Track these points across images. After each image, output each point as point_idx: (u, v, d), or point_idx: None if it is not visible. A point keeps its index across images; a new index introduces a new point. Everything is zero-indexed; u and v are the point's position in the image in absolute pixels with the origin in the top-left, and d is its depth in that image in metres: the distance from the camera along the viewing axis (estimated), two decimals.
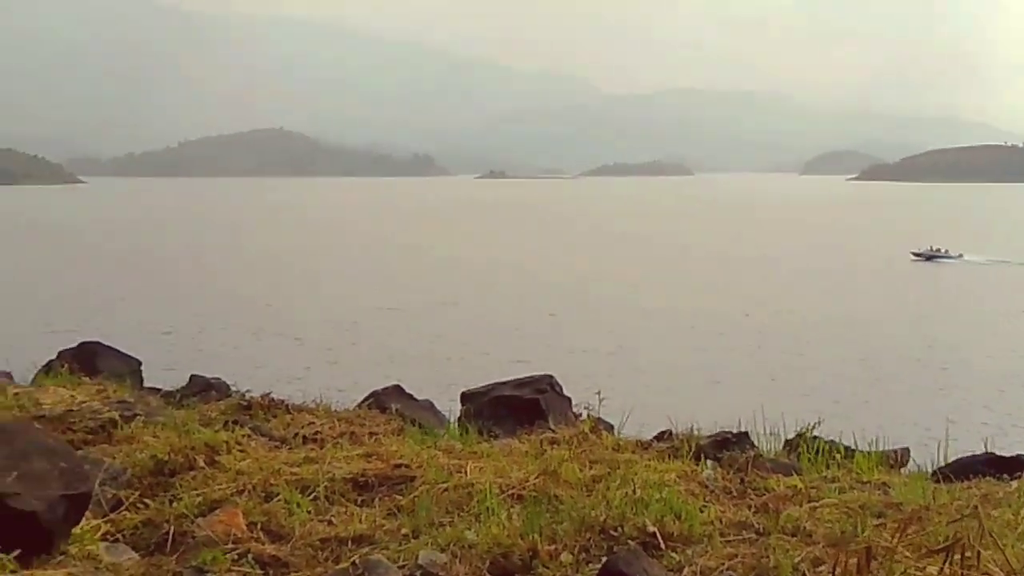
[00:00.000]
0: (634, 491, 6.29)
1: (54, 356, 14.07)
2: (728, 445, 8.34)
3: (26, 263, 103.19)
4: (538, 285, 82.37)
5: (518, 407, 10.34)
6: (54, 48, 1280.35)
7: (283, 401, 9.71)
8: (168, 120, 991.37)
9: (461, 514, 6.11)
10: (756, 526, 6.11)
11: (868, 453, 8.50)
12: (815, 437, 8.69)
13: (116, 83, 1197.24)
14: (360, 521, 5.97)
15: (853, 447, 8.70)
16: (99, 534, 5.63)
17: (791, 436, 9.03)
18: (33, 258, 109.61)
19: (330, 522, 5.98)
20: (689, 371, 49.22)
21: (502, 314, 67.06)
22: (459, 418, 10.52)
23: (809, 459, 8.19)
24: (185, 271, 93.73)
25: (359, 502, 6.44)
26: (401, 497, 6.46)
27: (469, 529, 5.79)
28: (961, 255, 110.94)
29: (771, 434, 9.08)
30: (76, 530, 5.41)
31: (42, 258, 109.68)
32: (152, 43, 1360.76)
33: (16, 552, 4.81)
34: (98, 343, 14.76)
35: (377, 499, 6.50)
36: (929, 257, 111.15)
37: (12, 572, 4.71)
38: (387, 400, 10.94)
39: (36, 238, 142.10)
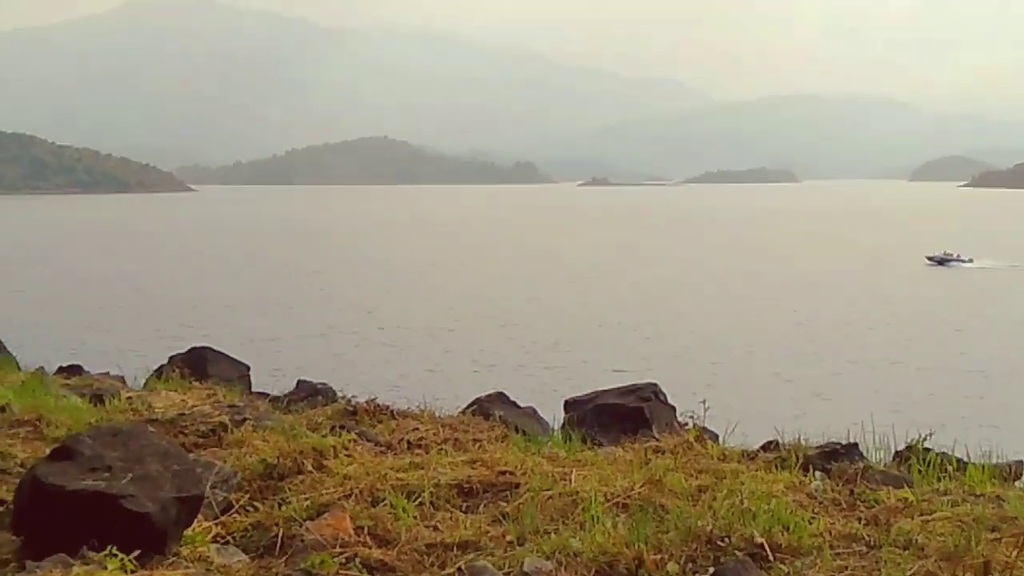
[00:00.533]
0: (741, 502, 6.20)
1: (165, 361, 14.37)
2: (836, 456, 8.17)
3: (137, 269, 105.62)
4: (639, 293, 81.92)
5: (622, 415, 10.29)
6: (164, 59, 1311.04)
7: (388, 407, 9.80)
8: (276, 129, 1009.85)
9: (566, 522, 6.07)
10: (867, 539, 5.98)
11: (981, 465, 8.27)
12: (926, 449, 8.48)
13: (226, 93, 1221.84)
14: (465, 527, 5.95)
15: (965, 459, 8.48)
16: (210, 536, 5.72)
17: (901, 447, 8.83)
18: (144, 264, 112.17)
19: (436, 528, 5.99)
20: (795, 380, 48.53)
21: (603, 322, 66.81)
22: (562, 425, 10.49)
23: (920, 471, 7.98)
24: (290, 278, 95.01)
25: (464, 508, 6.44)
26: (506, 504, 6.45)
27: (574, 537, 5.75)
28: (972, 260, 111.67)
29: (880, 445, 8.88)
30: (188, 532, 5.50)
31: (152, 264, 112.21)
32: (262, 54, 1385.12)
33: (136, 552, 4.90)
34: (208, 348, 15.03)
35: (482, 505, 6.50)
36: (941, 261, 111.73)
37: (132, 572, 4.80)
38: (490, 407, 10.98)
39: (147, 244, 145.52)
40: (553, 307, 73.71)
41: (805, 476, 7.49)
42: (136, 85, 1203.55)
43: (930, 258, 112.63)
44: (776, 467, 7.80)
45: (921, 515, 6.40)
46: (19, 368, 13.05)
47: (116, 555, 4.79)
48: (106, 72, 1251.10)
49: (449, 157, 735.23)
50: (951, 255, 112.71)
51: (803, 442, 8.62)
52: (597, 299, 77.34)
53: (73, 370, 14.22)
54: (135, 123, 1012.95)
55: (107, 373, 14.52)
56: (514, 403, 11.95)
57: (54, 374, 13.33)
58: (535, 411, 12.15)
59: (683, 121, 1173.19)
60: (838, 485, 7.22)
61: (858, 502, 6.81)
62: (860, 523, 6.28)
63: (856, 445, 8.63)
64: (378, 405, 9.73)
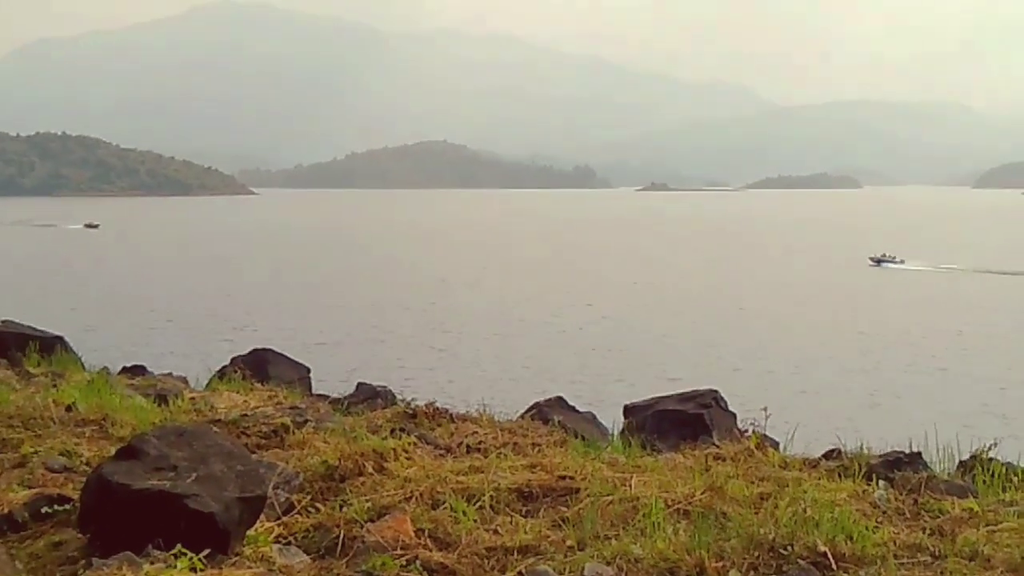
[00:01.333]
0: (804, 510, 6.12)
1: (227, 362, 14.51)
2: (900, 465, 8.08)
3: (197, 271, 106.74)
4: (697, 300, 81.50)
5: (682, 421, 10.25)
6: (227, 64, 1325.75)
7: (447, 410, 9.83)
8: (336, 133, 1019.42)
9: (626, 528, 6.04)
10: (931, 549, 5.90)
11: None
12: (991, 459, 8.36)
13: (288, 97, 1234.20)
14: (525, 531, 5.95)
15: None
16: (272, 536, 5.76)
17: (965, 457, 8.71)
18: (204, 266, 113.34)
19: (496, 531, 5.99)
20: (857, 388, 48.02)
21: (661, 329, 66.52)
22: (622, 431, 10.47)
23: (984, 481, 7.86)
24: (349, 281, 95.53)
25: (524, 512, 6.43)
26: (566, 509, 6.43)
27: (635, 543, 5.73)
28: (903, 261, 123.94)
29: (943, 455, 8.76)
30: (251, 532, 5.55)
31: (213, 266, 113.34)
32: (323, 58, 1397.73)
33: (206, 552, 4.95)
34: (269, 350, 15.17)
35: (542, 510, 6.49)
36: (878, 261, 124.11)
37: (200, 571, 4.85)
38: (549, 411, 10.97)
39: (208, 247, 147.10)
40: (611, 314, 73.45)
41: (868, 485, 7.40)
42: (200, 89, 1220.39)
43: (872, 259, 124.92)
44: (839, 475, 7.74)
45: (987, 525, 6.31)
46: (84, 368, 13.22)
47: (185, 553, 4.83)
48: (171, 76, 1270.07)
49: (508, 161, 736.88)
50: (887, 256, 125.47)
51: (866, 451, 8.55)
52: (655, 306, 76.98)
53: (137, 370, 14.39)
54: (198, 126, 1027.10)
55: (170, 374, 14.70)
56: (573, 408, 11.94)
57: (118, 374, 13.51)
58: (594, 416, 12.13)
59: (744, 126, 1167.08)
60: (902, 494, 7.13)
61: (922, 512, 6.73)
62: (924, 533, 6.19)
63: (920, 454, 8.53)
64: (437, 408, 9.76)
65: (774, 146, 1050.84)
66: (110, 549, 5.01)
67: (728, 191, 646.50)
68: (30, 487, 6.52)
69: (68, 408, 8.99)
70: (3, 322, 14.88)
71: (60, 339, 14.53)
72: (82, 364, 13.63)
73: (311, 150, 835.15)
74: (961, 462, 8.66)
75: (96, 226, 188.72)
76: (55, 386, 10.50)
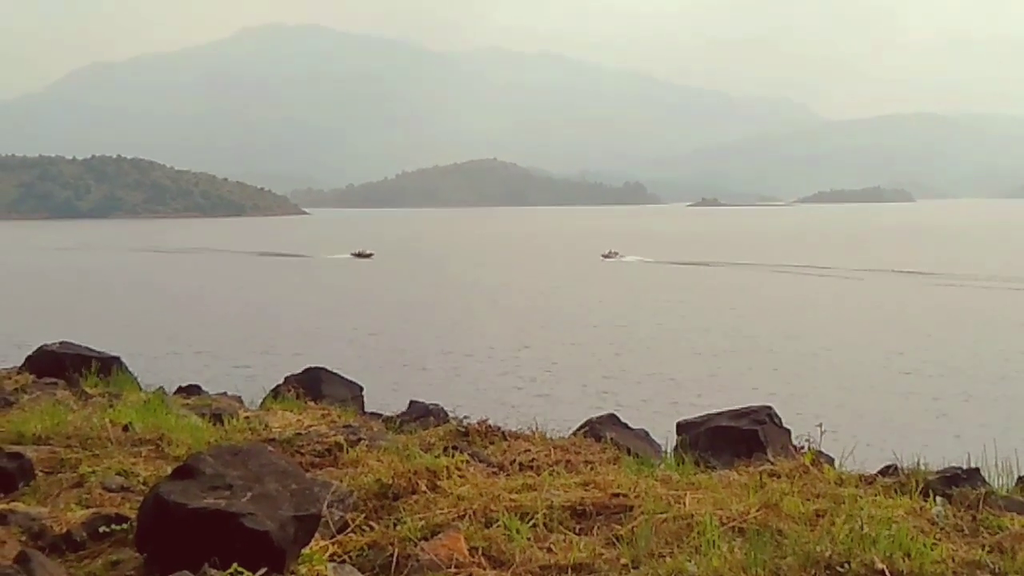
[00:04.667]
0: (860, 527, 6.07)
1: (281, 381, 14.62)
2: (958, 481, 7.99)
3: (250, 290, 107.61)
4: (747, 316, 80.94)
5: (736, 438, 10.20)
6: (279, 85, 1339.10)
7: (499, 428, 9.83)
8: (387, 152, 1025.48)
9: (681, 545, 6.02)
10: (991, 566, 5.83)
11: None
12: None
13: (338, 117, 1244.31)
14: (579, 549, 5.93)
15: None
16: (327, 555, 5.78)
17: None
18: (257, 285, 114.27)
19: (549, 549, 5.98)
20: (914, 404, 47.44)
21: (712, 345, 66.10)
22: (675, 448, 10.43)
23: None
24: (399, 300, 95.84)
25: (577, 530, 6.42)
26: (619, 527, 6.41)
27: (690, 561, 5.70)
28: (623, 255, 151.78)
29: (1003, 471, 8.65)
30: (305, 550, 5.56)
31: (266, 285, 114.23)
32: (374, 78, 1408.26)
33: (263, 571, 4.98)
34: (322, 369, 15.29)
35: (595, 528, 6.47)
36: (607, 256, 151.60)
37: None
38: (602, 429, 10.97)
39: (260, 266, 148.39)
40: (662, 331, 73.13)
41: (925, 501, 7.32)
42: (252, 110, 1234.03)
43: (604, 255, 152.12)
44: (895, 492, 7.65)
45: None
46: (140, 388, 13.37)
47: (241, 572, 4.87)
48: (222, 98, 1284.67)
49: (558, 179, 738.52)
50: (614, 253, 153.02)
51: (922, 467, 8.46)
52: (704, 324, 76.47)
53: (192, 390, 14.56)
54: (251, 147, 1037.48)
55: (224, 393, 14.85)
56: (626, 425, 11.93)
57: (174, 394, 13.67)
58: (647, 433, 12.12)
59: (795, 140, 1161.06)
60: (960, 511, 7.06)
61: (981, 528, 6.66)
62: (984, 550, 6.13)
63: (978, 470, 8.42)
64: (489, 426, 9.77)
65: (826, 160, 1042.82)
66: (167, 568, 5.06)
67: (780, 206, 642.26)
68: (88, 507, 6.60)
69: (125, 428, 9.10)
70: (60, 343, 15.09)
71: (117, 359, 14.71)
72: (138, 384, 13.79)
73: (362, 169, 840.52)
74: (1020, 478, 8.57)
75: (370, 255, 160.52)
76: (112, 406, 10.63)
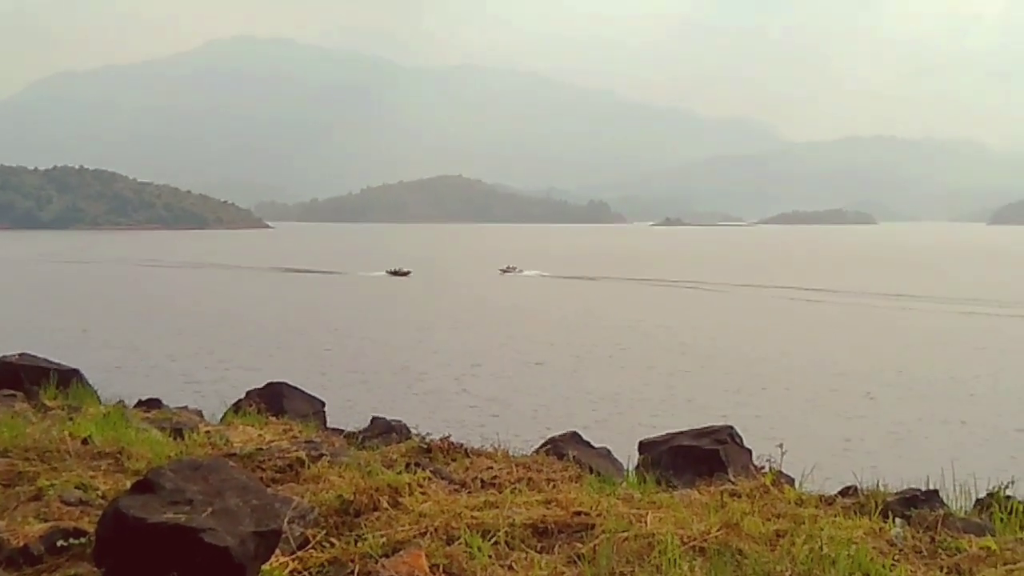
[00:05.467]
0: (820, 547, 6.12)
1: (242, 396, 14.55)
2: (916, 503, 8.05)
3: (212, 303, 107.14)
4: (706, 336, 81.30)
5: (697, 457, 10.23)
6: (244, 98, 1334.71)
7: (461, 445, 9.82)
8: (352, 167, 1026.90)
9: (642, 564, 6.01)
10: None
11: None
12: (1008, 497, 8.33)
13: (304, 131, 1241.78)
14: (541, 568, 5.93)
15: None
16: (287, 571, 5.76)
17: (982, 495, 8.69)
18: (219, 298, 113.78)
19: (511, 567, 5.97)
20: (873, 426, 47.74)
21: (672, 365, 66.32)
22: (637, 467, 10.45)
23: (1002, 519, 7.84)
24: (360, 316, 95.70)
25: (539, 548, 6.41)
26: (581, 545, 6.40)
27: None
28: (522, 270, 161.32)
29: (961, 492, 8.73)
30: (265, 567, 5.54)
31: (226, 298, 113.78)
32: (340, 92, 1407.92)
33: None
34: (284, 384, 15.23)
35: (557, 546, 6.45)
36: (505, 270, 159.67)
37: None
38: (564, 447, 10.97)
39: (221, 280, 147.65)
40: (623, 350, 73.32)
41: (885, 523, 7.39)
42: (216, 123, 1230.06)
43: (501, 269, 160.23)
44: (855, 513, 7.72)
45: (1004, 564, 6.32)
46: (100, 401, 13.27)
47: None
48: (188, 110, 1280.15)
49: (522, 196, 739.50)
50: (512, 267, 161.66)
51: (882, 488, 8.53)
52: (663, 343, 76.74)
53: (152, 404, 14.45)
54: (214, 160, 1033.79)
55: (185, 407, 14.75)
56: (588, 443, 11.94)
57: (134, 407, 13.56)
58: (609, 452, 12.13)
59: (760, 162, 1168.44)
60: (919, 532, 7.12)
61: (939, 550, 6.72)
62: (942, 572, 6.20)
63: (936, 492, 8.50)
64: (452, 443, 9.76)
65: (788, 182, 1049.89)
66: None
67: (743, 226, 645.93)
68: (46, 520, 6.54)
69: (84, 441, 9.02)
70: (20, 355, 14.94)
71: (76, 372, 14.59)
72: (98, 397, 13.68)
73: (327, 184, 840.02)
74: (978, 500, 8.64)
75: (407, 273, 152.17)
76: (71, 419, 10.54)
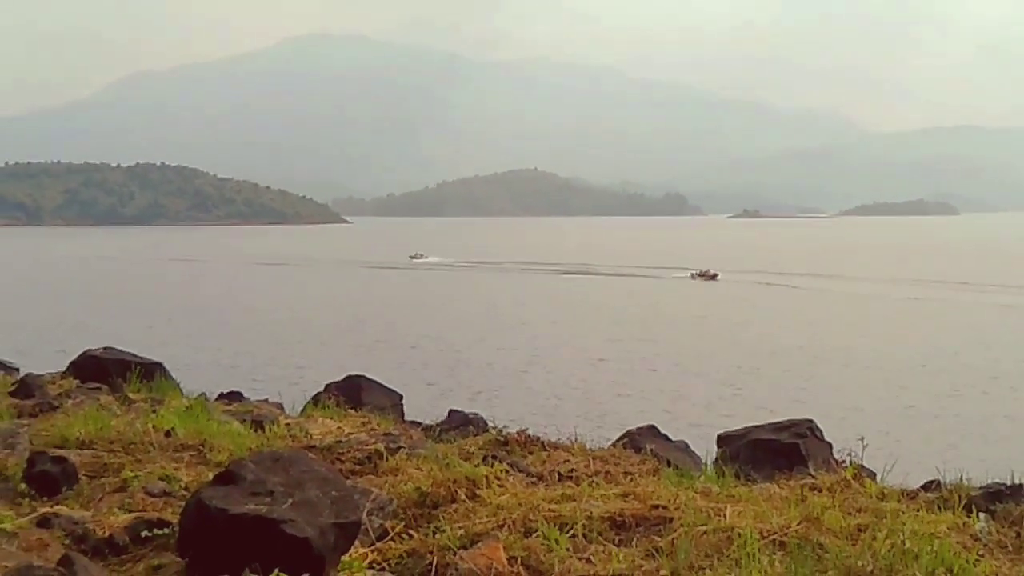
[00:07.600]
0: (902, 542, 6.01)
1: (321, 388, 14.67)
2: (1001, 497, 7.89)
3: (292, 298, 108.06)
4: (790, 329, 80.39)
5: (777, 451, 10.14)
6: (321, 94, 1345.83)
7: (538, 438, 9.80)
8: (428, 161, 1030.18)
9: (721, 558, 5.96)
10: None
11: None
12: None
13: (380, 127, 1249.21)
14: (618, 560, 5.89)
15: None
16: (366, 562, 5.79)
17: None
18: (299, 293, 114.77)
19: (588, 560, 5.94)
20: (957, 421, 46.90)
21: (757, 358, 65.68)
22: (715, 460, 10.38)
23: None
24: (438, 309, 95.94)
25: (617, 541, 6.38)
26: (659, 538, 6.36)
27: (730, 574, 5.67)
28: (425, 256, 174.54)
29: None
30: (345, 558, 5.58)
31: (307, 293, 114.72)
32: (414, 88, 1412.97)
33: None
34: (363, 377, 15.31)
35: (635, 539, 6.41)
36: (414, 257, 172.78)
37: None
38: (642, 440, 10.92)
39: (300, 273, 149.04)
40: (704, 343, 72.78)
41: (968, 517, 7.24)
42: (294, 119, 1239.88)
43: (412, 256, 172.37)
44: (938, 507, 7.57)
45: None
46: (183, 394, 13.45)
47: None
48: (265, 107, 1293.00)
49: (598, 189, 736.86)
50: (419, 255, 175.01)
51: (965, 482, 8.36)
52: (745, 336, 75.99)
53: (233, 396, 14.64)
54: (293, 156, 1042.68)
55: (266, 400, 14.93)
56: (666, 436, 11.87)
57: (215, 400, 13.74)
58: (687, 445, 12.06)
59: (838, 153, 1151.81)
60: (1004, 527, 6.99)
61: None
62: None
63: (1022, 486, 8.32)
64: (529, 436, 9.75)
65: (868, 173, 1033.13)
66: (208, 573, 5.10)
67: (822, 218, 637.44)
68: (130, 511, 6.66)
69: (167, 433, 9.16)
70: (105, 349, 15.18)
71: (159, 365, 14.78)
72: (181, 390, 13.86)
73: (403, 178, 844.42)
74: None
75: (715, 276, 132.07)
76: (154, 412, 10.68)
